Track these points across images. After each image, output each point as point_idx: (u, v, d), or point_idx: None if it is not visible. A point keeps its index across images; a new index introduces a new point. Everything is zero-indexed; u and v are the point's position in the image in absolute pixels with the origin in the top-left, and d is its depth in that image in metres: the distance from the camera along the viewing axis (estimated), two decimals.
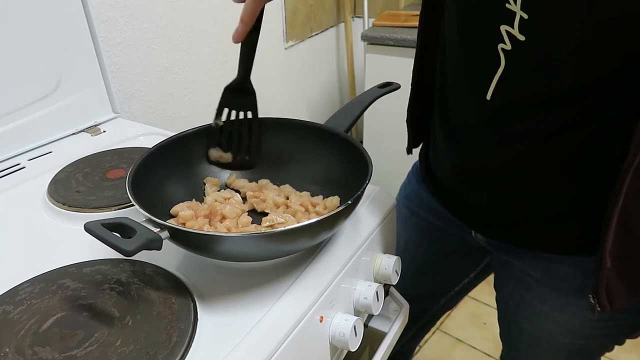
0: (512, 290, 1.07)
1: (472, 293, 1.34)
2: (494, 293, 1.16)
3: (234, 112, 0.96)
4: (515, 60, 0.78)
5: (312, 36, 2.38)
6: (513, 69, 0.79)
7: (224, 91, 0.94)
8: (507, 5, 0.74)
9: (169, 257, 0.82)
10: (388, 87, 1.02)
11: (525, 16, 0.73)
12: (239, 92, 0.95)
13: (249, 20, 0.85)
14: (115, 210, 0.94)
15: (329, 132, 0.95)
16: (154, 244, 0.69)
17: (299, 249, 0.83)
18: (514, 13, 0.74)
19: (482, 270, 1.26)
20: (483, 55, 0.82)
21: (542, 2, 0.71)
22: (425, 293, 1.32)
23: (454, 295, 1.33)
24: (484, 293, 2.33)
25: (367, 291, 0.88)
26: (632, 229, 0.80)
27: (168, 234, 0.72)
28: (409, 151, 1.20)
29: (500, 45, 0.78)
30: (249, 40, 0.89)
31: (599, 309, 0.86)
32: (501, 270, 1.11)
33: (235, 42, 0.88)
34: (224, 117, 0.96)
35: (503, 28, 0.76)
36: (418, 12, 2.13)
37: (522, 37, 0.75)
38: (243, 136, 0.97)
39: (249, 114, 0.96)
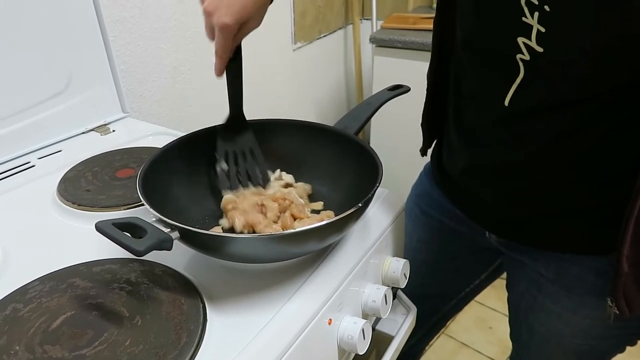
0: (524, 290, 1.07)
1: (478, 297, 1.34)
2: (501, 297, 1.16)
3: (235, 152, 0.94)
4: (534, 69, 0.79)
5: (320, 38, 2.38)
6: (532, 77, 0.80)
7: (218, 132, 0.92)
8: (523, 18, 0.76)
9: (178, 257, 0.82)
10: (398, 90, 1.02)
11: (543, 29, 0.75)
12: (235, 130, 0.93)
13: (223, 54, 0.85)
14: (124, 209, 0.94)
15: (339, 134, 0.95)
16: (165, 244, 0.69)
17: (308, 252, 0.83)
18: (531, 26, 0.75)
19: (493, 272, 1.27)
20: (501, 64, 0.82)
21: (559, 17, 0.73)
22: (436, 293, 1.32)
23: (464, 297, 1.33)
24: (490, 297, 2.33)
25: (375, 294, 0.88)
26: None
27: (178, 235, 0.72)
28: (424, 152, 1.20)
29: (519, 56, 0.79)
30: (231, 71, 0.88)
31: (617, 312, 0.87)
32: (513, 270, 1.11)
33: (218, 76, 0.87)
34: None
35: (520, 40, 0.78)
36: (427, 15, 2.16)
37: (540, 49, 0.76)
38: (251, 174, 0.94)
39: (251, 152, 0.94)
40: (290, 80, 2.23)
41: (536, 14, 0.75)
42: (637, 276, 0.84)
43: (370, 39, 2.18)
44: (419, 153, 1.22)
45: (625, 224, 0.80)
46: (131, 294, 0.74)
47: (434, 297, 1.33)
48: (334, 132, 0.96)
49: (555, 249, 0.96)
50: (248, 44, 1.89)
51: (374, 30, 2.48)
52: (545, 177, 0.88)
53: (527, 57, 0.79)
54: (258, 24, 0.86)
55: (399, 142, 2.15)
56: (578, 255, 0.93)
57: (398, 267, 0.95)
